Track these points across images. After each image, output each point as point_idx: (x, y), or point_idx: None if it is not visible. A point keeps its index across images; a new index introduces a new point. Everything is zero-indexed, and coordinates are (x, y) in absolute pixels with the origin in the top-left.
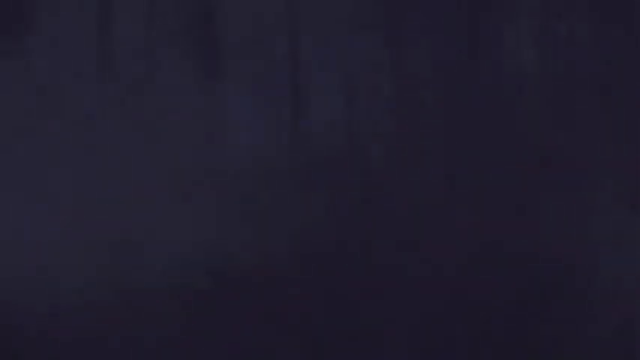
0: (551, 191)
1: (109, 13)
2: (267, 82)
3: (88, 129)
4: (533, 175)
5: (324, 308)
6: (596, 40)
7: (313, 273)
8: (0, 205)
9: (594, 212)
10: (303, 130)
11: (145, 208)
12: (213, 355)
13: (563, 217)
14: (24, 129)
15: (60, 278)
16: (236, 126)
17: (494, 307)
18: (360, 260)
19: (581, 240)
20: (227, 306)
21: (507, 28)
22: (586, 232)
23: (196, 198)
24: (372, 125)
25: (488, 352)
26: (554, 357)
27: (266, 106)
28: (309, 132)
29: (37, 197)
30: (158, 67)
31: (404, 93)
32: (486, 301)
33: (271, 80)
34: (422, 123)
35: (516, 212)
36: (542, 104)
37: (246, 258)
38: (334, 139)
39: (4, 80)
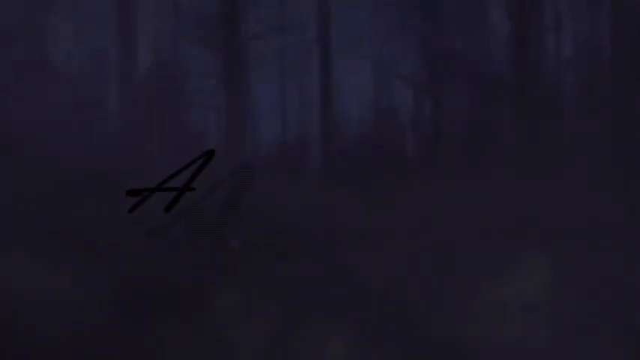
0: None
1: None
2: (295, 71)
3: None
4: (574, 170)
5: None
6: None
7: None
8: None
9: None
10: (334, 120)
11: None
12: None
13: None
14: None
15: None
16: (263, 118)
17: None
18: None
19: None
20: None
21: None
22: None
23: None
24: (406, 113)
25: None
26: None
27: (295, 96)
28: (340, 123)
29: None
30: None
31: (437, 82)
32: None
33: (300, 69)
34: (456, 111)
35: (559, 205)
36: (583, 94)
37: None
38: (366, 130)
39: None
